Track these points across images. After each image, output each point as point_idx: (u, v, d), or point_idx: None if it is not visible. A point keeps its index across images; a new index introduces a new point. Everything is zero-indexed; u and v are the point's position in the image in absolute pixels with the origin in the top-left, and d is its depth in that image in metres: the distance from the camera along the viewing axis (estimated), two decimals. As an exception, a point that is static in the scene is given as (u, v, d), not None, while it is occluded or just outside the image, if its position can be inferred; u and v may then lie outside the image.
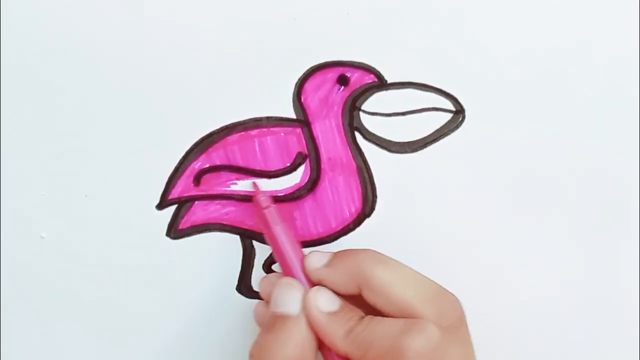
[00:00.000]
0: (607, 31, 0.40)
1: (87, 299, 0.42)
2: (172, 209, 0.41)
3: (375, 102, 0.40)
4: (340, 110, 0.41)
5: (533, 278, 0.42)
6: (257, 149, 0.40)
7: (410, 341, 0.31)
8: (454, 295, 0.34)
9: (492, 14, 0.40)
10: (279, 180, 0.41)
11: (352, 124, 0.41)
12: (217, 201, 0.41)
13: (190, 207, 0.41)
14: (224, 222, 0.41)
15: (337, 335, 0.33)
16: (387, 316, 0.33)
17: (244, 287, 0.42)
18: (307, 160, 0.41)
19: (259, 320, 0.38)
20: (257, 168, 0.41)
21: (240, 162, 0.41)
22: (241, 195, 0.41)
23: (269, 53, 0.40)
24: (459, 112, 0.41)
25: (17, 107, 0.41)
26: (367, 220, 0.41)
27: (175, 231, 0.41)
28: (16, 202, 0.41)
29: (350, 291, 0.35)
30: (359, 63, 0.40)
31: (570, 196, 0.41)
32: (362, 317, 0.34)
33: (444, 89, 0.40)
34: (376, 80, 0.40)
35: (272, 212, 0.38)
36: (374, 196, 0.41)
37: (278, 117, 0.41)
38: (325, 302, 0.34)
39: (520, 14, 0.40)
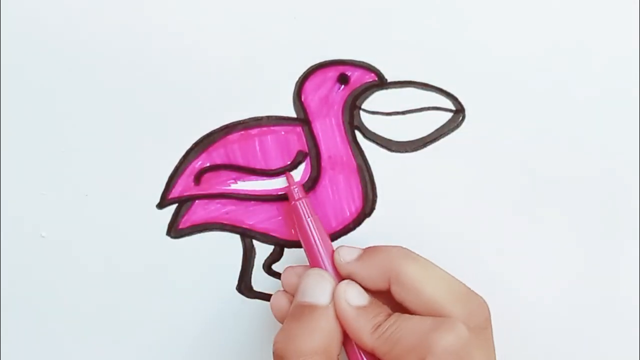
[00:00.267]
0: (607, 31, 0.40)
1: (87, 298, 0.42)
2: (172, 208, 0.41)
3: (375, 101, 0.40)
4: (340, 109, 0.41)
5: (533, 278, 0.42)
6: (258, 147, 0.40)
7: (439, 338, 0.31)
8: (481, 297, 0.35)
9: (492, 14, 0.40)
10: (280, 179, 0.41)
11: (352, 123, 0.41)
12: (218, 200, 0.41)
13: (191, 206, 0.41)
14: (224, 222, 0.41)
15: (364, 330, 0.33)
16: (414, 314, 0.34)
17: (244, 287, 0.42)
18: (308, 158, 0.41)
19: (277, 311, 0.37)
20: (258, 167, 0.41)
21: (241, 161, 0.41)
22: (242, 194, 0.41)
23: (269, 52, 0.40)
24: (459, 112, 0.41)
25: (17, 107, 0.41)
26: (367, 220, 0.41)
27: (175, 230, 0.41)
28: (16, 202, 0.41)
29: (379, 287, 0.35)
30: (360, 62, 0.40)
31: (570, 196, 0.41)
32: (390, 314, 0.34)
33: (444, 88, 0.40)
34: (376, 79, 0.40)
35: (304, 204, 0.38)
36: (374, 195, 0.41)
37: (278, 116, 0.41)
38: (354, 296, 0.35)
39: (520, 13, 0.40)
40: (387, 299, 0.35)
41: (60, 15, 0.40)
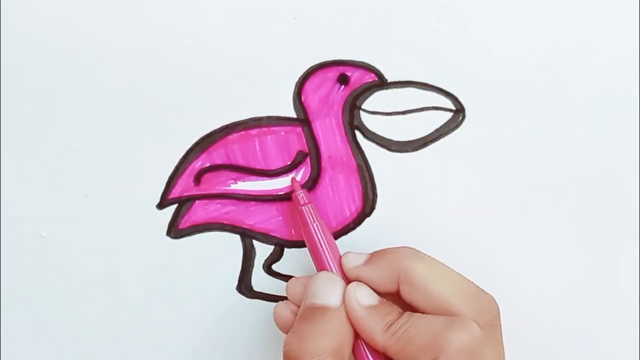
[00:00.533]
0: (607, 31, 0.40)
1: (87, 298, 0.42)
2: (172, 208, 0.41)
3: (375, 101, 0.40)
4: (340, 109, 0.41)
5: (533, 278, 0.42)
6: (258, 148, 0.40)
7: (452, 337, 0.32)
8: (490, 295, 0.35)
9: (492, 14, 0.40)
10: (280, 179, 0.41)
11: (352, 123, 0.41)
12: (218, 201, 0.41)
13: (191, 206, 0.41)
14: (224, 222, 0.41)
15: (376, 329, 0.34)
16: (424, 313, 0.34)
17: (244, 287, 0.42)
18: (308, 158, 0.41)
19: (279, 321, 0.37)
20: (258, 167, 0.41)
21: (241, 161, 0.41)
22: (242, 194, 0.41)
23: (269, 52, 0.40)
24: (459, 111, 0.41)
25: (17, 107, 0.41)
26: (367, 220, 0.41)
27: (175, 231, 0.41)
28: (16, 202, 0.41)
29: (388, 288, 0.35)
30: (360, 62, 0.40)
31: (570, 196, 0.41)
32: (402, 313, 0.34)
33: (444, 88, 0.40)
34: (376, 79, 0.40)
35: (310, 209, 0.38)
36: (374, 195, 0.41)
37: (278, 116, 0.41)
38: (365, 296, 0.35)
39: (520, 13, 0.40)
40: (396, 301, 0.35)
41: (60, 15, 0.40)
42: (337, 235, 0.41)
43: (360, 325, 0.34)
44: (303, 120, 0.41)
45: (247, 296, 0.42)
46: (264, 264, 0.42)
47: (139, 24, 0.40)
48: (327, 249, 0.37)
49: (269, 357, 0.42)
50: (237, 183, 0.41)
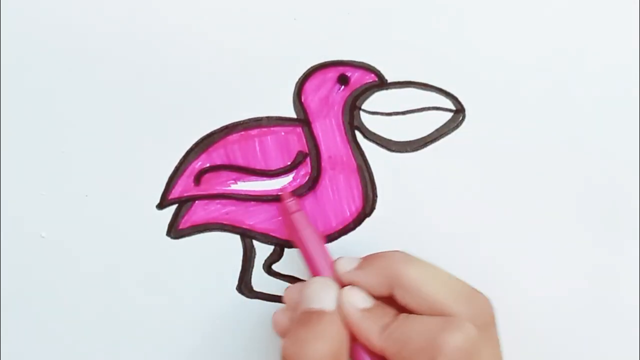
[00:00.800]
0: (607, 32, 0.40)
1: (87, 298, 0.42)
2: (172, 208, 0.41)
3: (375, 101, 0.40)
4: (340, 110, 0.41)
5: (533, 278, 0.42)
6: (258, 148, 0.40)
7: (448, 337, 0.31)
8: (485, 295, 0.35)
9: (492, 14, 0.40)
10: (280, 180, 0.41)
11: (352, 123, 0.41)
12: (218, 201, 0.41)
13: (191, 206, 0.41)
14: (224, 222, 0.41)
15: (372, 331, 0.34)
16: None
17: (244, 287, 0.42)
18: (308, 158, 0.41)
19: (280, 327, 0.37)
20: (258, 167, 0.41)
21: (241, 162, 0.41)
22: (242, 194, 0.41)
23: (269, 53, 0.40)
24: (459, 112, 0.41)
25: (17, 107, 0.41)
26: (367, 220, 0.41)
27: (175, 231, 0.41)
28: (16, 202, 0.41)
29: (382, 292, 0.35)
30: (359, 62, 0.40)
31: (571, 196, 0.41)
32: (397, 315, 0.34)
33: (444, 88, 0.40)
34: (376, 79, 0.40)
35: (300, 217, 0.38)
36: (374, 195, 0.41)
37: (278, 117, 0.41)
38: (359, 299, 0.35)
39: (520, 14, 0.40)
40: (391, 304, 0.35)
41: (60, 15, 0.40)
42: (337, 235, 0.41)
43: (356, 328, 0.34)
44: (303, 120, 0.41)
45: (247, 296, 0.42)
46: (264, 264, 0.42)
47: (139, 24, 0.40)
48: (319, 255, 0.37)
49: (269, 357, 0.42)
50: (237, 183, 0.41)
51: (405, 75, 0.40)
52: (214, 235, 0.41)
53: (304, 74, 0.40)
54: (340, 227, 0.41)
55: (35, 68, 0.40)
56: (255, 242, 0.41)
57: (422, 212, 0.41)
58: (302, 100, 0.40)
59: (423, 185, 0.41)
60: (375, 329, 0.34)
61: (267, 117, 0.41)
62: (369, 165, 0.41)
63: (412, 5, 0.40)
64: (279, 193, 0.40)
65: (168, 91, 0.40)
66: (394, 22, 0.40)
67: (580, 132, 0.41)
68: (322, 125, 0.41)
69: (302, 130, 0.41)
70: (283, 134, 0.41)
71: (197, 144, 0.41)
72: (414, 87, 0.40)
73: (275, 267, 0.42)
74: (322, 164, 0.41)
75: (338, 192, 0.41)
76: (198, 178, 0.41)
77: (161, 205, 0.41)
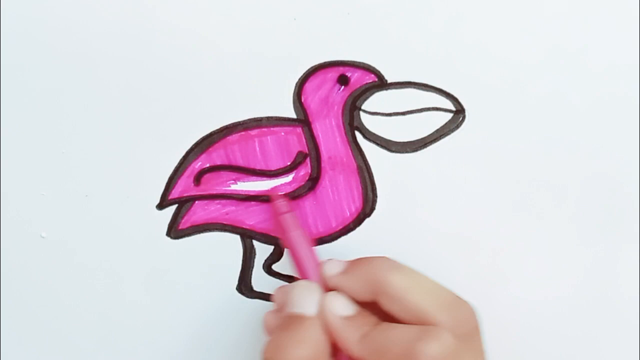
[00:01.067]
0: (607, 33, 0.40)
1: (87, 299, 0.42)
2: (172, 208, 0.41)
3: (375, 101, 0.40)
4: (340, 110, 0.41)
5: (532, 279, 0.42)
6: (258, 148, 0.40)
7: (424, 347, 0.31)
8: (470, 304, 0.34)
9: (492, 15, 0.40)
10: (280, 180, 0.41)
11: (352, 124, 0.41)
12: (218, 201, 0.41)
13: (191, 207, 0.41)
14: (224, 222, 0.41)
15: (352, 339, 0.33)
16: (402, 323, 0.33)
17: (244, 287, 0.42)
18: (308, 159, 0.41)
19: (269, 328, 0.37)
20: (258, 167, 0.41)
21: (241, 162, 0.41)
22: (242, 194, 0.41)
23: (269, 53, 0.40)
24: (459, 112, 0.41)
25: (17, 107, 0.41)
26: (367, 220, 0.41)
27: (175, 231, 0.41)
28: (16, 202, 0.41)
29: (366, 298, 0.35)
30: (360, 63, 0.40)
31: (570, 196, 0.41)
32: (377, 323, 0.34)
33: (444, 88, 0.40)
34: (376, 80, 0.40)
35: (290, 218, 0.38)
36: (374, 196, 0.41)
37: (278, 117, 0.41)
38: (341, 306, 0.34)
39: (521, 15, 0.40)
40: (375, 310, 0.34)
41: (60, 15, 0.40)
42: (337, 235, 0.41)
43: (337, 336, 0.34)
44: (303, 120, 0.41)
45: (247, 296, 0.42)
46: (264, 264, 0.42)
47: (140, 24, 0.40)
48: (307, 257, 0.37)
49: (269, 357, 0.42)
50: (237, 183, 0.41)
51: (405, 75, 0.40)
52: (214, 235, 0.41)
53: (304, 74, 0.40)
54: (340, 227, 0.41)
55: (36, 68, 0.40)
56: (255, 242, 0.41)
57: (422, 212, 0.41)
58: (302, 100, 0.40)
59: (423, 185, 0.41)
60: (355, 336, 0.33)
61: (267, 118, 0.41)
62: (369, 166, 0.41)
63: (412, 6, 0.40)
64: (269, 194, 0.40)
65: (168, 91, 0.40)
66: (394, 22, 0.40)
67: (580, 133, 0.41)
68: (322, 126, 0.41)
69: (302, 131, 0.41)
70: (283, 134, 0.41)
71: (197, 144, 0.41)
72: (414, 87, 0.40)
73: (275, 267, 0.42)
74: (322, 165, 0.41)
75: (338, 193, 0.41)
76: (198, 178, 0.41)
77: (161, 205, 0.41)
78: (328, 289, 0.36)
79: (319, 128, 0.41)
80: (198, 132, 0.40)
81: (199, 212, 0.41)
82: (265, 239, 0.41)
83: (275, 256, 0.42)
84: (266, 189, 0.41)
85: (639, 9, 0.40)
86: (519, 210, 0.41)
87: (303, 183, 0.41)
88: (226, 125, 0.40)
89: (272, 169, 0.41)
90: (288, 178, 0.41)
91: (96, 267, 0.41)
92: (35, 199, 0.41)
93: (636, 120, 0.41)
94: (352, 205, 0.41)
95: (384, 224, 0.41)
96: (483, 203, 0.41)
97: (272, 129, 0.40)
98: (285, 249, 0.41)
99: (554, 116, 0.41)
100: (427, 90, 0.40)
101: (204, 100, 0.40)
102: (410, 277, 0.34)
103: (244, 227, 0.41)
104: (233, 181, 0.41)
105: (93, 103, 0.40)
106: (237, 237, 0.41)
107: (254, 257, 0.42)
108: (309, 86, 0.40)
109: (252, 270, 0.42)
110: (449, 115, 0.40)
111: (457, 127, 0.41)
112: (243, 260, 0.42)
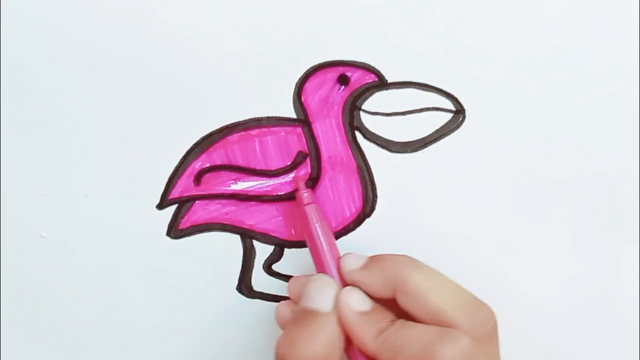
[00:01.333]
0: (608, 33, 0.40)
1: (87, 298, 0.42)
2: (172, 208, 0.41)
3: (375, 101, 0.40)
4: (340, 110, 0.41)
5: (533, 278, 0.42)
6: (258, 148, 0.40)
7: (442, 349, 0.31)
8: (489, 307, 0.34)
9: (492, 15, 0.40)
10: (280, 180, 0.41)
11: (352, 124, 0.41)
12: (218, 201, 0.41)
13: (191, 206, 0.41)
14: (224, 222, 0.41)
15: (368, 335, 0.33)
16: (419, 322, 0.33)
17: (244, 287, 0.42)
18: (308, 159, 0.41)
19: (282, 321, 0.37)
20: (258, 167, 0.41)
21: (241, 162, 0.41)
22: (242, 194, 0.41)
23: (270, 53, 0.40)
24: (459, 112, 0.41)
25: (17, 107, 0.41)
26: (367, 220, 0.41)
27: (175, 231, 0.41)
28: (16, 202, 0.41)
29: (384, 295, 0.35)
30: (360, 63, 0.40)
31: (571, 196, 0.41)
32: (394, 320, 0.34)
33: (444, 88, 0.40)
34: (376, 79, 0.40)
35: (313, 210, 0.38)
36: (375, 196, 0.41)
37: (278, 117, 0.41)
38: (357, 301, 0.34)
39: (520, 14, 0.40)
40: (392, 307, 0.34)
41: (60, 15, 0.40)
42: (337, 235, 0.41)
43: (352, 331, 0.34)
44: (303, 120, 0.41)
45: (247, 296, 0.42)
46: (264, 264, 0.42)
47: (140, 24, 0.40)
48: (326, 250, 0.37)
49: (269, 357, 0.42)
50: (237, 183, 0.41)
51: (405, 75, 0.40)
52: (214, 235, 0.41)
53: (304, 74, 0.40)
54: (340, 227, 0.41)
55: (36, 68, 0.40)
56: (255, 242, 0.41)
57: (422, 212, 0.41)
58: (302, 100, 0.40)
59: (423, 185, 0.41)
60: (370, 333, 0.33)
61: (267, 117, 0.41)
62: (369, 166, 0.41)
63: (412, 6, 0.40)
64: (294, 183, 0.40)
65: (168, 91, 0.40)
66: (394, 22, 0.40)
67: (580, 133, 0.41)
68: (322, 126, 0.41)
69: (302, 131, 0.41)
70: (283, 134, 0.41)
71: (197, 144, 0.41)
72: (414, 87, 0.40)
73: (275, 267, 0.42)
74: (322, 165, 0.41)
75: (338, 193, 0.41)
76: (198, 178, 0.41)
77: (161, 205, 0.41)
78: (346, 283, 0.36)
79: (319, 128, 0.41)
80: (198, 132, 0.40)
81: (199, 212, 0.41)
82: (265, 239, 0.41)
83: (275, 256, 0.42)
84: (266, 189, 0.41)
85: (639, 9, 0.40)
86: (519, 210, 0.41)
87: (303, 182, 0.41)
88: (226, 125, 0.40)
89: (272, 168, 0.41)
90: (288, 178, 0.41)
91: (96, 267, 0.41)
92: (35, 199, 0.41)
93: (636, 120, 0.41)
94: (352, 205, 0.41)
95: (384, 224, 0.41)
96: (483, 203, 0.41)
97: (272, 128, 0.40)
98: (286, 250, 0.41)
99: (554, 116, 0.41)
100: (427, 90, 0.40)
101: (204, 100, 0.40)
102: (431, 276, 0.34)
103: (244, 227, 0.41)
104: (233, 181, 0.41)
105: (93, 103, 0.40)
106: (237, 237, 0.41)
107: (254, 257, 0.42)
108: (309, 86, 0.40)
109: (252, 270, 0.42)
110: (449, 115, 0.40)
111: (457, 127, 0.41)
112: (243, 260, 0.42)
